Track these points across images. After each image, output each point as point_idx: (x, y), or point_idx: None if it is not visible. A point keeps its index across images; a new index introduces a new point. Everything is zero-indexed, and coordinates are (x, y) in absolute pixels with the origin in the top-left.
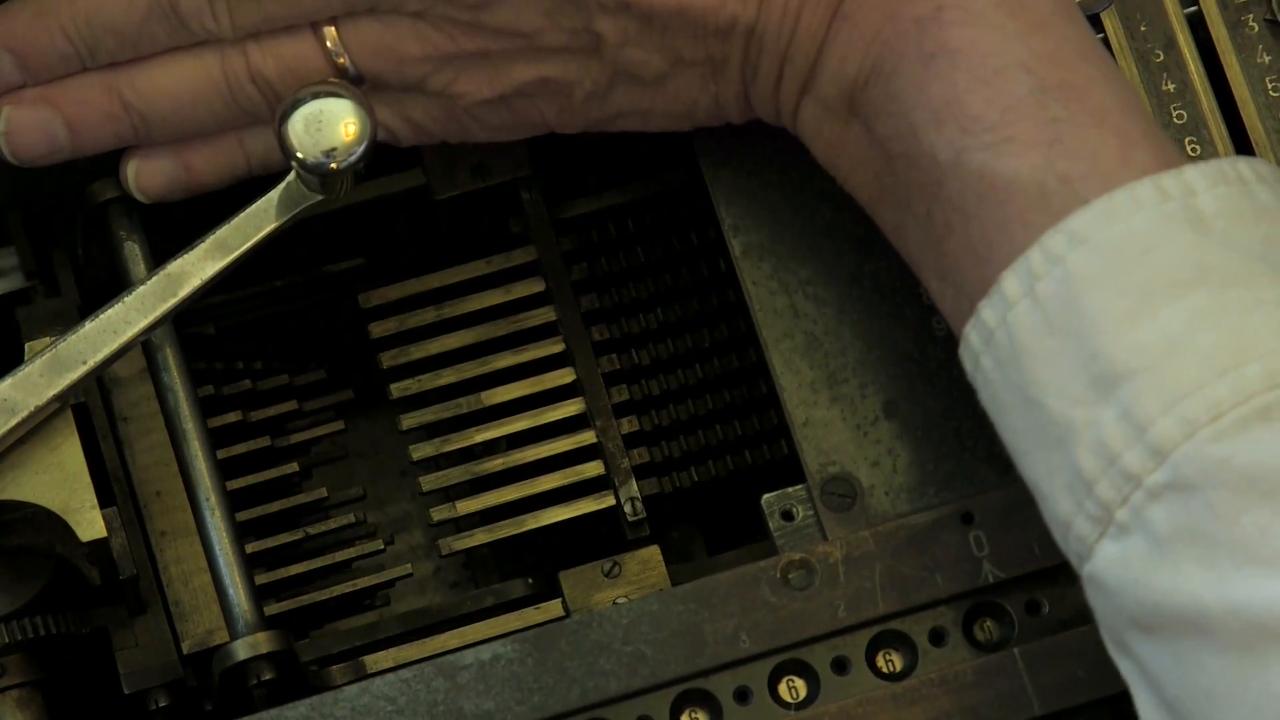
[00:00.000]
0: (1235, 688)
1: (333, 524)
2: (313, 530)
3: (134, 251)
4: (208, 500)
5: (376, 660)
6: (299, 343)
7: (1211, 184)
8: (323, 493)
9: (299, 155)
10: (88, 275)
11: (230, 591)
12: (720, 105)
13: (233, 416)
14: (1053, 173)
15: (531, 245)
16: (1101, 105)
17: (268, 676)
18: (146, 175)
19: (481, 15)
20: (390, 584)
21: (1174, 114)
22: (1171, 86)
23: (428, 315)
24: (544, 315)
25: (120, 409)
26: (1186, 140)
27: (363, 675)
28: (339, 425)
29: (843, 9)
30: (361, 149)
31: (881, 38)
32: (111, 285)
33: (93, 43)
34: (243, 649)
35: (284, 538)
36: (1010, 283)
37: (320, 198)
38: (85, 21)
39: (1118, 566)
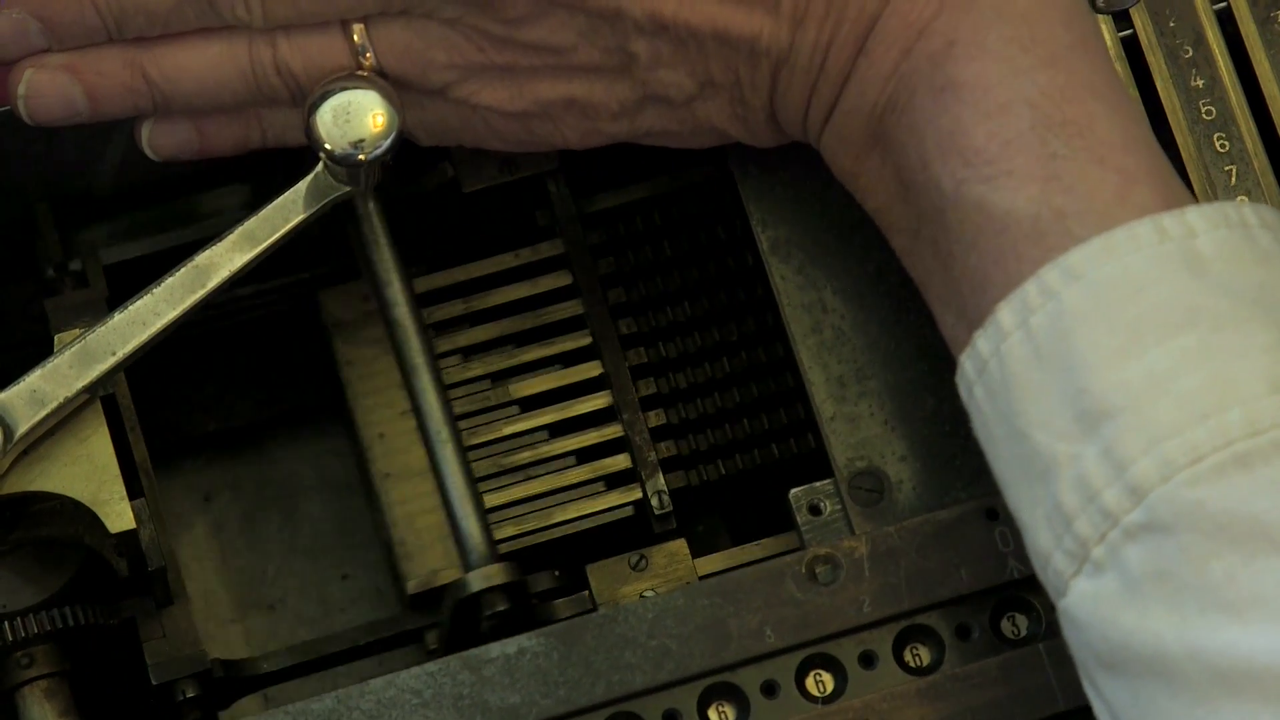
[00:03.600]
0: None
1: None
2: None
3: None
4: (439, 434)
5: None
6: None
7: (1212, 226)
8: None
9: (327, 146)
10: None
11: (463, 524)
12: (748, 127)
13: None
14: (1048, 207)
15: (559, 239)
16: (1106, 142)
17: (500, 608)
18: (160, 135)
19: (516, 31)
20: None
21: (1203, 110)
22: (1200, 82)
23: (455, 308)
24: (571, 308)
25: (344, 353)
26: (1215, 136)
27: (583, 611)
28: None
29: (866, 45)
30: (389, 141)
31: (899, 72)
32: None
33: (122, 19)
34: (477, 580)
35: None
36: (1005, 314)
37: (348, 189)
38: None
39: (1090, 604)
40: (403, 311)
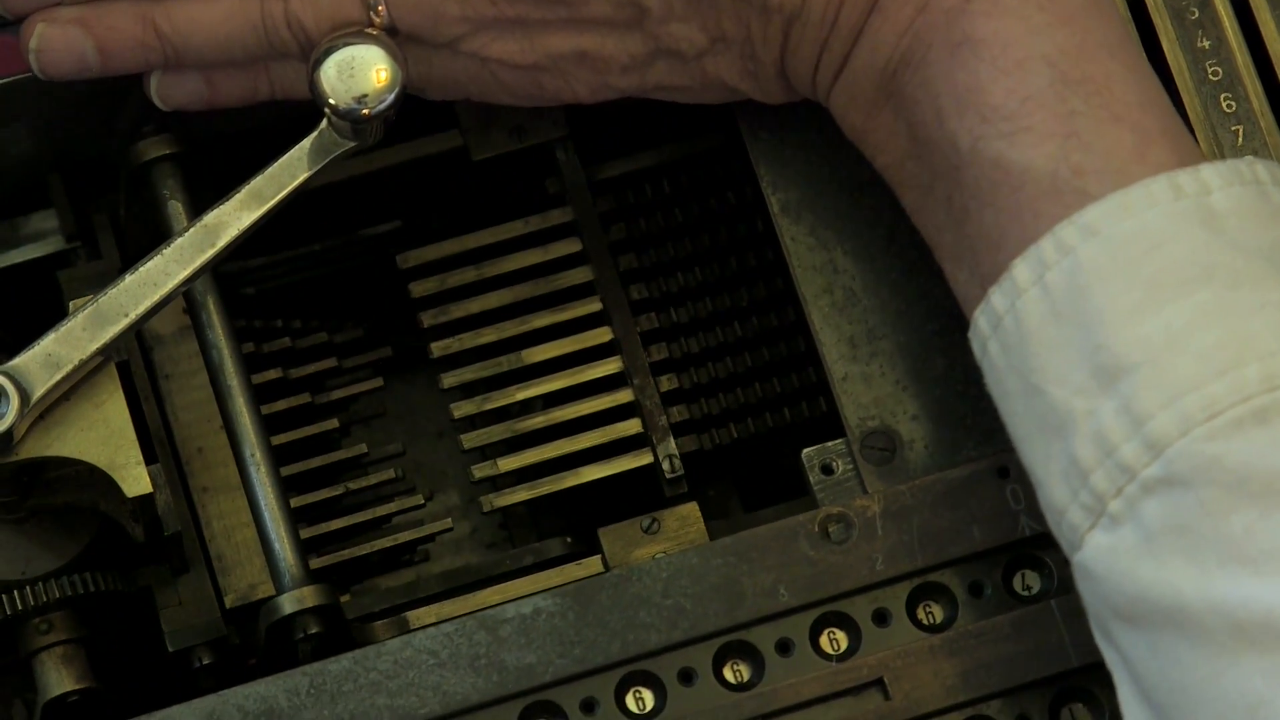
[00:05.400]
0: (1208, 683)
1: (372, 480)
2: (353, 485)
3: (177, 210)
4: (252, 456)
5: (418, 616)
6: (337, 303)
7: (1227, 183)
8: (363, 448)
9: (331, 101)
10: (129, 236)
11: (276, 546)
12: (758, 83)
13: (273, 373)
14: (1066, 164)
15: (568, 206)
16: (1122, 100)
17: (314, 630)
18: (169, 86)
19: None
20: (431, 538)
21: (1209, 70)
22: (1206, 43)
23: (468, 275)
24: (581, 275)
25: (161, 366)
26: (1222, 96)
27: (406, 630)
28: (378, 382)
29: (879, 1)
30: (392, 96)
31: (914, 28)
32: (154, 246)
33: None
34: (289, 603)
35: (324, 493)
36: (1021, 270)
37: (352, 144)
38: None
39: (1107, 556)
40: (216, 333)
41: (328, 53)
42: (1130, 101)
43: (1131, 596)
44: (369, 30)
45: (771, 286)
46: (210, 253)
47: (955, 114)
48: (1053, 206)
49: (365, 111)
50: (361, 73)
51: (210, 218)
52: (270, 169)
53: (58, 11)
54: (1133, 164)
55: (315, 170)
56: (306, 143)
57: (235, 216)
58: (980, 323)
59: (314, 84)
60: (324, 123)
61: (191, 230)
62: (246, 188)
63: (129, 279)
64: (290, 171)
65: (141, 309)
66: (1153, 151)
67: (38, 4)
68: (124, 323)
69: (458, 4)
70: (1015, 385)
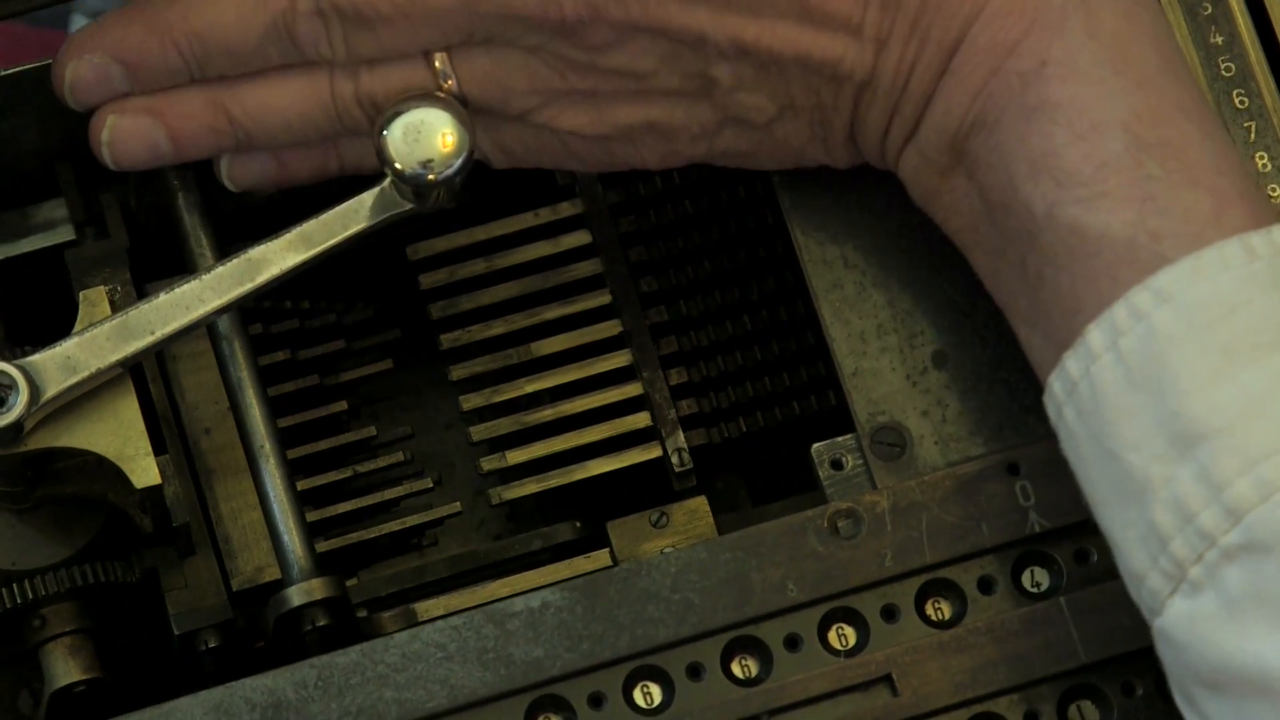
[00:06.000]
0: None
1: (381, 462)
2: (361, 469)
3: (188, 200)
4: (260, 438)
5: (427, 609)
6: (346, 285)
7: None
8: (371, 431)
9: (396, 165)
10: (139, 224)
11: (284, 534)
12: (827, 149)
13: (281, 355)
14: (1144, 229)
15: (579, 198)
16: (1198, 164)
17: (321, 623)
18: (239, 168)
19: (598, 57)
20: (439, 522)
21: (1222, 67)
22: (1219, 39)
23: (477, 266)
24: (591, 267)
25: (169, 347)
26: (1235, 92)
27: (414, 623)
28: (387, 364)
29: (952, 65)
30: (459, 162)
31: (986, 91)
32: (162, 231)
33: (204, 60)
34: (297, 595)
35: (332, 476)
36: (1095, 336)
37: (411, 206)
38: (199, 39)
39: (1187, 623)
40: (226, 319)
41: (395, 115)
42: (1206, 165)
43: (1214, 664)
44: (438, 94)
45: (782, 280)
46: (248, 286)
47: (1030, 179)
48: (1130, 271)
49: (431, 177)
50: (428, 137)
51: (256, 252)
52: (325, 215)
53: (128, 102)
54: (1209, 228)
55: (370, 226)
56: (367, 197)
57: (280, 255)
58: (1055, 388)
59: (380, 146)
60: (387, 181)
61: (234, 261)
62: (297, 230)
63: (162, 298)
64: (344, 222)
65: (169, 330)
66: (1229, 215)
67: (108, 94)
68: (149, 340)
69: (527, 78)
70: (1091, 451)
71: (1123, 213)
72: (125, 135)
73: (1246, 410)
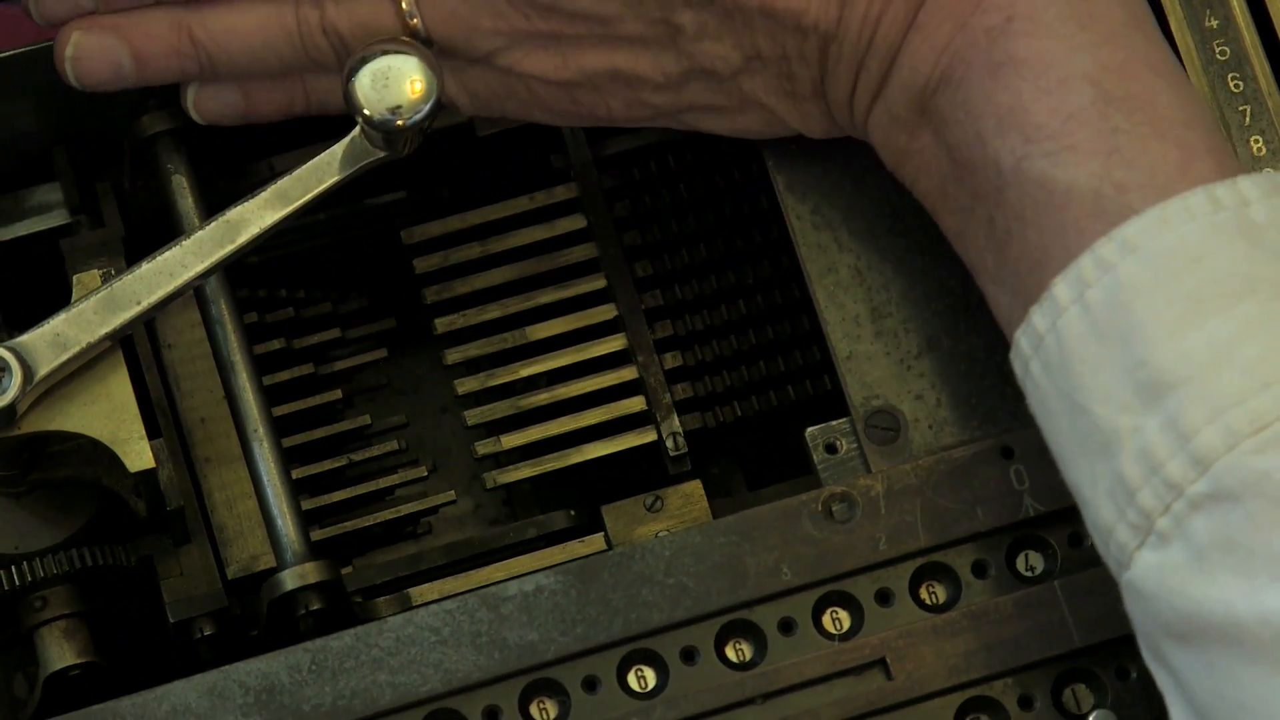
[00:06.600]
0: (1266, 699)
1: (375, 451)
2: (356, 457)
3: (181, 185)
4: (255, 430)
5: (421, 593)
6: (341, 274)
7: (1265, 194)
8: (366, 420)
9: (365, 111)
10: (133, 208)
11: (278, 521)
12: (795, 104)
13: (276, 344)
14: (1109, 181)
15: (573, 182)
16: (1165, 117)
17: (315, 607)
18: (205, 99)
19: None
20: (434, 510)
21: (1217, 50)
22: (1214, 23)
23: (472, 250)
24: (586, 251)
25: (164, 336)
26: (1229, 77)
27: (408, 607)
28: (381, 353)
29: (918, 20)
30: (427, 107)
31: (952, 47)
32: (157, 218)
33: None
34: (291, 579)
35: (327, 464)
36: (1061, 289)
37: (384, 154)
38: None
39: (1156, 575)
40: (219, 304)
41: (363, 62)
42: (1173, 118)
43: (1183, 614)
44: (405, 40)
45: (776, 264)
46: (229, 248)
47: (997, 134)
48: (1096, 224)
49: (399, 123)
50: (396, 83)
51: (233, 213)
52: (298, 171)
53: (93, 20)
54: (1175, 180)
55: (344, 177)
56: (338, 148)
57: (258, 215)
58: (1021, 343)
59: (348, 93)
60: (356, 130)
61: (213, 225)
62: (272, 187)
63: (145, 267)
64: (318, 175)
65: (154, 298)
66: (1195, 167)
67: (73, 11)
68: (135, 310)
69: (492, 18)
70: (1058, 405)
71: (1089, 165)
72: (89, 52)
73: (1213, 359)
